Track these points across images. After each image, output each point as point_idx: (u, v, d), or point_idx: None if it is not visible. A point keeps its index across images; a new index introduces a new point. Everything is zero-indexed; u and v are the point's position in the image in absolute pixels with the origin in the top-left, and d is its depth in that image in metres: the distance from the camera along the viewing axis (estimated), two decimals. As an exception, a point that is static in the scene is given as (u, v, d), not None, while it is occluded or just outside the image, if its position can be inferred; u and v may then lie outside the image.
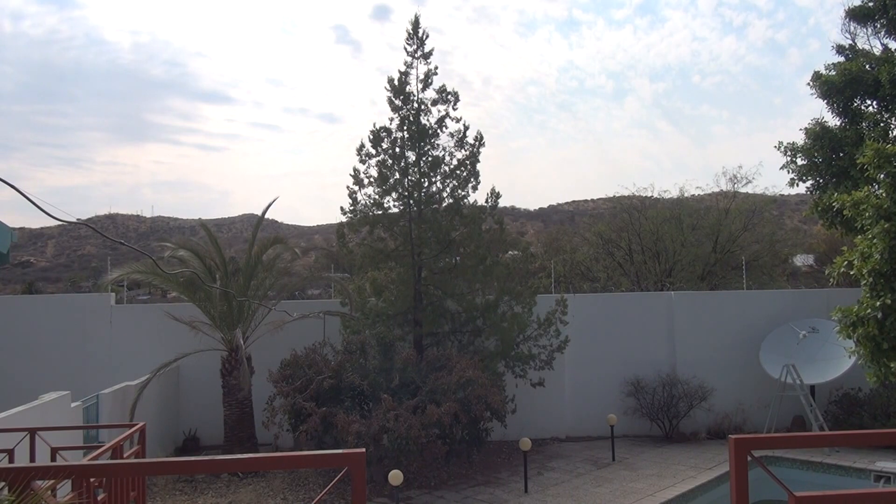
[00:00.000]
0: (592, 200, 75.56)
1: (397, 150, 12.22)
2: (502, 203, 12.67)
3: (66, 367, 13.26)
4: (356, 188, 12.38)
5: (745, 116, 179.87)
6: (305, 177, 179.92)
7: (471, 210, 12.33)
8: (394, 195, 12.29)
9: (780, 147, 14.28)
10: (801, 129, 13.97)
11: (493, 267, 12.11)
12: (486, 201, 12.45)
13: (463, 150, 12.42)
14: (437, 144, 12.33)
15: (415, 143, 12.15)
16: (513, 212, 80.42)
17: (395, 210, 12.47)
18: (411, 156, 12.26)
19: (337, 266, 17.92)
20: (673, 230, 22.61)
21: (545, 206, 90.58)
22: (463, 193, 12.37)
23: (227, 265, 12.43)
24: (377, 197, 12.34)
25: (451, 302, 12.40)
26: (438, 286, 12.36)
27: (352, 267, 13.10)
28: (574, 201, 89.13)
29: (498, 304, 12.36)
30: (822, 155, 13.71)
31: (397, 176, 12.23)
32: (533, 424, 13.10)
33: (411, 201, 12.17)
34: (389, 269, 12.43)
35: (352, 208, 12.42)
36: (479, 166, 12.45)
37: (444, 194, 12.36)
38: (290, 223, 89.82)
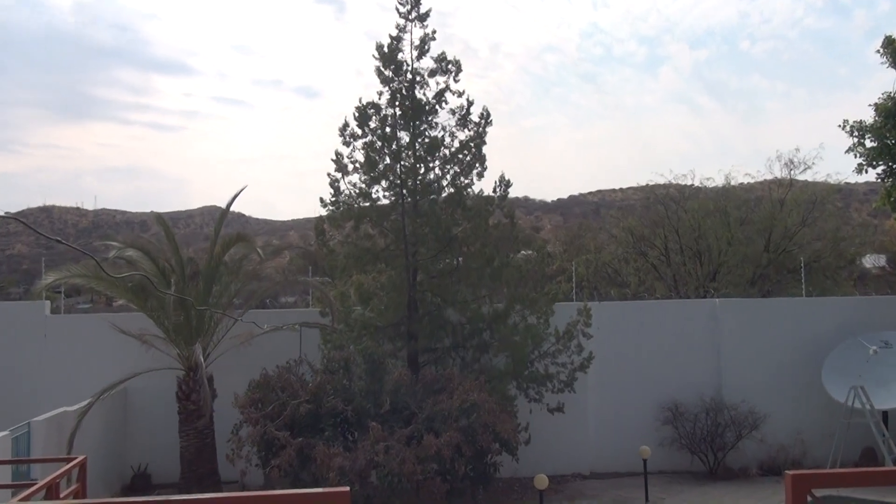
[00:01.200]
0: (621, 190, 75.92)
1: (388, 129, 12.23)
2: (514, 193, 12.75)
3: (-9, 389, 13.25)
4: (339, 175, 12.41)
5: (803, 90, 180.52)
6: (278, 162, 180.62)
7: (476, 201, 12.34)
8: (384, 183, 12.31)
9: (844, 126, 14.31)
10: (869, 105, 14.05)
11: (502, 269, 12.11)
12: (494, 191, 12.48)
13: (466, 130, 12.45)
14: (436, 123, 12.37)
15: (408, 121, 12.16)
16: (526, 203, 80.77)
17: (386, 201, 12.50)
18: (404, 137, 12.27)
19: (316, 268, 17.90)
20: (717, 225, 22.62)
21: (565, 196, 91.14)
22: (466, 181, 12.39)
23: (185, 267, 12.44)
24: (364, 186, 12.37)
25: (452, 311, 12.41)
26: (437, 292, 12.37)
27: (333, 269, 13.11)
28: (599, 191, 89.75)
29: (508, 314, 12.36)
30: (895, 136, 13.70)
31: (388, 161, 12.24)
32: (550, 458, 13.10)
33: (404, 191, 12.17)
34: (378, 272, 12.44)
35: (334, 199, 12.44)
36: (485, 149, 12.52)
37: (444, 182, 12.38)
38: (260, 217, 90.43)
